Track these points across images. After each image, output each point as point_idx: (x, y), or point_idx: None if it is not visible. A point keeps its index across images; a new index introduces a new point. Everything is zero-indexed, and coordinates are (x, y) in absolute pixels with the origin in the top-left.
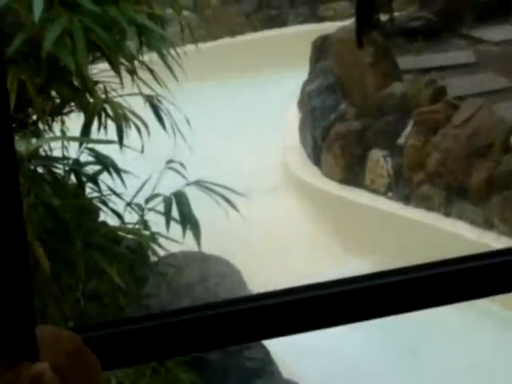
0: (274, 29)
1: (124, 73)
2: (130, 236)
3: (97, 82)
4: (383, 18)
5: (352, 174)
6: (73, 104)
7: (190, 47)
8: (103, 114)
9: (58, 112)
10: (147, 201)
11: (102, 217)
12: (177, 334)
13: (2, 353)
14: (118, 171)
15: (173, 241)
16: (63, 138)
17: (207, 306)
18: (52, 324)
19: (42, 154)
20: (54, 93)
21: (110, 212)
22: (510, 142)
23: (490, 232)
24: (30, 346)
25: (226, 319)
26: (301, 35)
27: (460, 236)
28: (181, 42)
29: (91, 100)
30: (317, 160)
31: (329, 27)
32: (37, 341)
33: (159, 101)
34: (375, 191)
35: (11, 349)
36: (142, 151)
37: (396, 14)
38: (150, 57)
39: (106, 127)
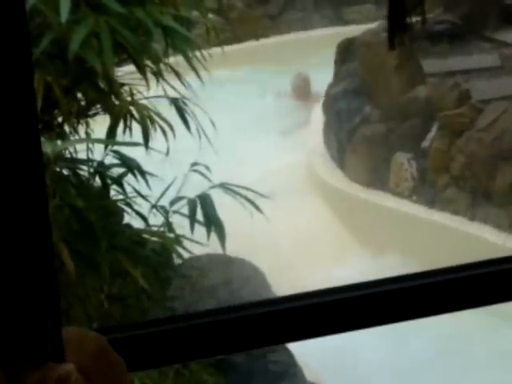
0: (300, 32)
1: (149, 75)
2: (154, 238)
3: (123, 84)
4: (412, 20)
5: (376, 176)
6: (98, 106)
7: (216, 50)
8: (129, 117)
9: (83, 114)
10: (172, 203)
11: (127, 219)
12: (201, 336)
13: (28, 354)
14: (143, 173)
15: (197, 243)
16: (88, 140)
17: (231, 309)
18: (77, 325)
19: (68, 156)
20: (79, 95)
21: (134, 214)
22: None
23: None
24: (56, 348)
25: (250, 322)
26: (326, 38)
27: (485, 240)
28: (206, 45)
29: (117, 102)
30: (341, 162)
31: (354, 30)
32: (63, 342)
33: (184, 103)
34: (399, 194)
35: (38, 350)
36: (168, 153)
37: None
38: (175, 59)
39: (131, 129)
